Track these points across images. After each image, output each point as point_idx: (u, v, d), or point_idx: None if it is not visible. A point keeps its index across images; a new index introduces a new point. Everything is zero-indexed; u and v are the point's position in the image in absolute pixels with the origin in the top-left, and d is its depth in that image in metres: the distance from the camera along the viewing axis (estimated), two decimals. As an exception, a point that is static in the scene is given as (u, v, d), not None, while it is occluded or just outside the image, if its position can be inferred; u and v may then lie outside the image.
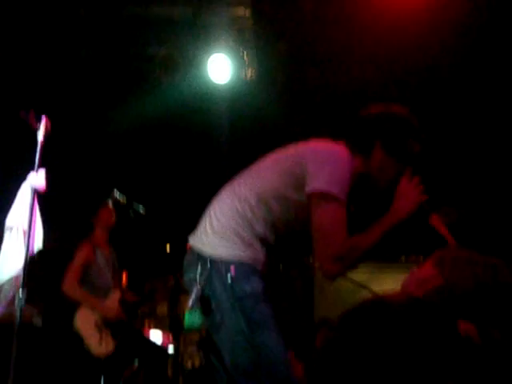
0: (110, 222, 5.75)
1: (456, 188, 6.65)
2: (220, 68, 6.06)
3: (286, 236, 2.78)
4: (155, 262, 8.19)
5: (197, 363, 9.79)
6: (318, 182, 2.61)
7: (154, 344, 6.71)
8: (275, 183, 2.70)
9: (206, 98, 6.43)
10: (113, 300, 5.72)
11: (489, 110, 6.22)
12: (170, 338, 8.19)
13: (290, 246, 2.89)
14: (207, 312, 2.61)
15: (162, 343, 7.88)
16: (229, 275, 2.58)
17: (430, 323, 1.01)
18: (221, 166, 6.76)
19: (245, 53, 6.07)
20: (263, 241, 2.68)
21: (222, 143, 6.64)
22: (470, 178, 6.67)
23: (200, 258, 2.64)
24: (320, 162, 2.66)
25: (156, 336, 8.08)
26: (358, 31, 5.47)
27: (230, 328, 2.58)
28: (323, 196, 2.58)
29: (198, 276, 2.61)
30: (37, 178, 3.41)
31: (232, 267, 2.59)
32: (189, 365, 9.97)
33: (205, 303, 2.60)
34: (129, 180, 6.71)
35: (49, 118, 3.55)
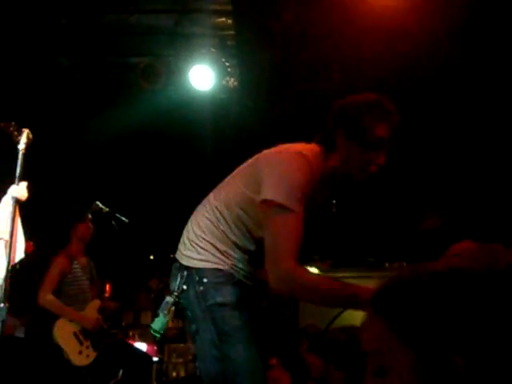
0: (86, 235, 5.72)
1: (445, 193, 6.66)
2: (202, 77, 6.05)
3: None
4: (138, 272, 8.16)
5: (181, 373, 9.78)
6: (268, 191, 2.48)
7: (138, 354, 6.67)
8: (239, 190, 2.64)
9: (188, 107, 6.42)
10: (91, 310, 5.69)
11: (481, 111, 6.24)
12: (155, 348, 8.17)
13: None
14: (181, 318, 2.64)
15: (147, 353, 7.83)
16: (201, 284, 2.59)
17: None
18: (204, 174, 6.74)
19: (227, 61, 6.06)
20: (242, 249, 2.64)
21: (204, 151, 6.63)
22: (459, 183, 6.69)
23: (180, 268, 2.66)
24: (272, 168, 2.53)
25: (141, 347, 8.04)
26: (342, 40, 5.48)
27: (202, 337, 2.59)
28: (273, 207, 2.45)
29: (176, 286, 2.63)
30: (18, 189, 3.39)
31: (205, 276, 2.59)
32: (173, 375, 9.95)
33: (179, 311, 2.63)
34: (111, 190, 6.68)
35: (29, 128, 3.52)
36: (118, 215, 4.94)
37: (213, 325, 2.57)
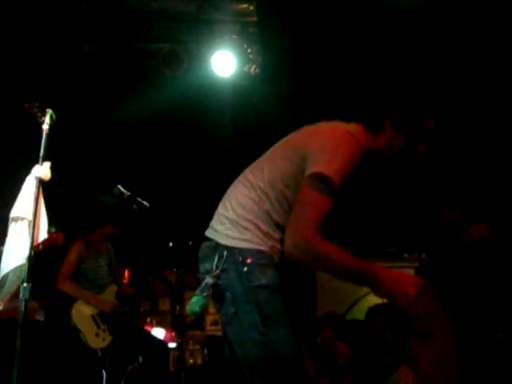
0: (110, 234, 5.93)
1: (464, 184, 6.61)
2: (224, 63, 6.04)
3: None
4: (157, 259, 8.18)
5: (198, 360, 9.80)
6: (318, 164, 2.50)
7: (156, 340, 6.70)
8: (284, 169, 2.63)
9: (209, 93, 6.41)
10: (108, 294, 5.76)
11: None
12: (173, 335, 8.20)
13: None
14: (220, 301, 2.57)
15: (165, 339, 7.87)
16: (245, 265, 2.53)
17: None
18: (224, 160, 6.74)
19: (249, 48, 6.04)
20: (283, 229, 2.58)
21: (225, 138, 6.62)
22: (480, 174, 6.63)
23: (217, 248, 2.59)
24: (322, 144, 2.57)
25: (159, 334, 8.08)
26: (363, 23, 5.44)
27: (242, 320, 2.53)
28: (317, 179, 2.48)
29: (214, 266, 2.56)
30: (42, 170, 3.40)
31: (249, 257, 2.54)
32: (190, 361, 9.99)
33: (218, 293, 2.55)
34: (132, 175, 6.70)
35: (53, 111, 3.53)
36: (139, 199, 4.94)
37: (256, 307, 2.51)
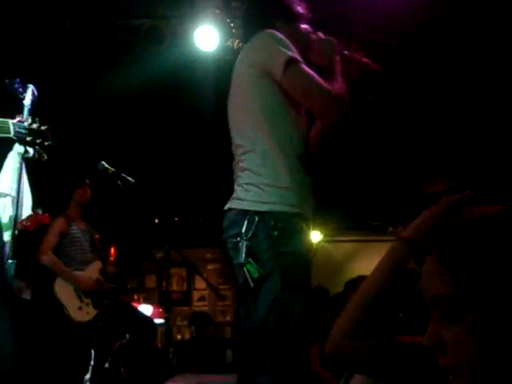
0: (84, 199, 5.88)
1: (452, 157, 6.64)
2: (207, 37, 6.00)
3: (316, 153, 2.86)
4: (143, 235, 8.18)
5: (186, 336, 9.87)
6: (275, 60, 2.67)
7: (143, 317, 6.73)
8: (250, 100, 2.77)
9: (192, 68, 6.37)
10: (92, 270, 5.76)
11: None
12: (160, 311, 8.24)
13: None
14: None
15: (152, 316, 7.90)
16: (275, 228, 2.58)
17: None
18: (207, 134, 6.72)
19: (232, 22, 6.00)
20: (294, 171, 2.69)
21: (208, 112, 6.59)
22: (466, 148, 6.66)
23: (245, 214, 2.63)
24: (261, 51, 2.76)
25: (146, 310, 8.11)
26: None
27: (267, 286, 2.56)
28: (289, 63, 2.65)
29: (243, 231, 2.59)
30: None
31: (279, 221, 2.59)
32: (178, 337, 10.05)
33: (252, 256, 2.57)
34: (116, 150, 6.68)
35: (35, 87, 3.50)
36: (123, 175, 4.94)
37: (279, 273, 2.55)
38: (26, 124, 3.28)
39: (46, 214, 4.69)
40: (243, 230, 2.58)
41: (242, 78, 2.81)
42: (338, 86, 2.70)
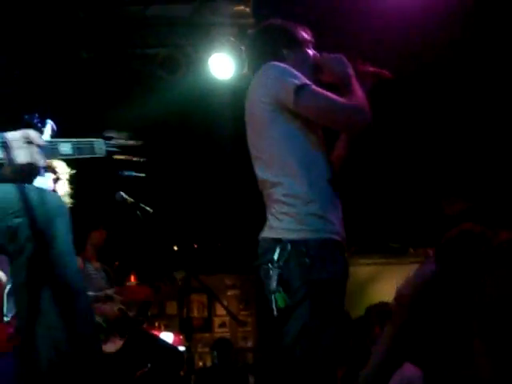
0: (100, 242, 6.05)
1: (467, 177, 6.60)
2: (222, 66, 6.04)
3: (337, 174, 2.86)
4: (163, 262, 8.18)
5: (208, 363, 9.82)
6: (286, 91, 2.71)
7: (165, 345, 6.71)
8: (269, 138, 2.78)
9: (208, 96, 6.41)
10: (112, 303, 5.79)
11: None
12: (182, 338, 8.20)
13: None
14: (287, 292, 2.57)
15: (173, 343, 7.88)
16: (307, 256, 2.58)
17: None
18: (224, 162, 6.73)
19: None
20: (324, 194, 2.71)
21: (225, 140, 6.61)
22: (483, 167, 6.61)
23: (278, 242, 2.64)
24: (272, 80, 2.80)
25: (167, 338, 8.09)
26: (362, 28, 5.45)
27: (297, 312, 2.56)
28: (298, 90, 2.69)
29: (275, 258, 2.60)
30: (43, 181, 3.40)
31: (312, 248, 2.59)
32: (200, 364, 10.00)
33: (283, 284, 2.57)
34: (133, 181, 6.70)
35: (52, 120, 3.53)
36: (142, 205, 4.95)
37: (310, 300, 2.55)
38: None
39: None
40: (275, 257, 2.59)
41: (258, 113, 2.83)
42: (357, 97, 2.75)
